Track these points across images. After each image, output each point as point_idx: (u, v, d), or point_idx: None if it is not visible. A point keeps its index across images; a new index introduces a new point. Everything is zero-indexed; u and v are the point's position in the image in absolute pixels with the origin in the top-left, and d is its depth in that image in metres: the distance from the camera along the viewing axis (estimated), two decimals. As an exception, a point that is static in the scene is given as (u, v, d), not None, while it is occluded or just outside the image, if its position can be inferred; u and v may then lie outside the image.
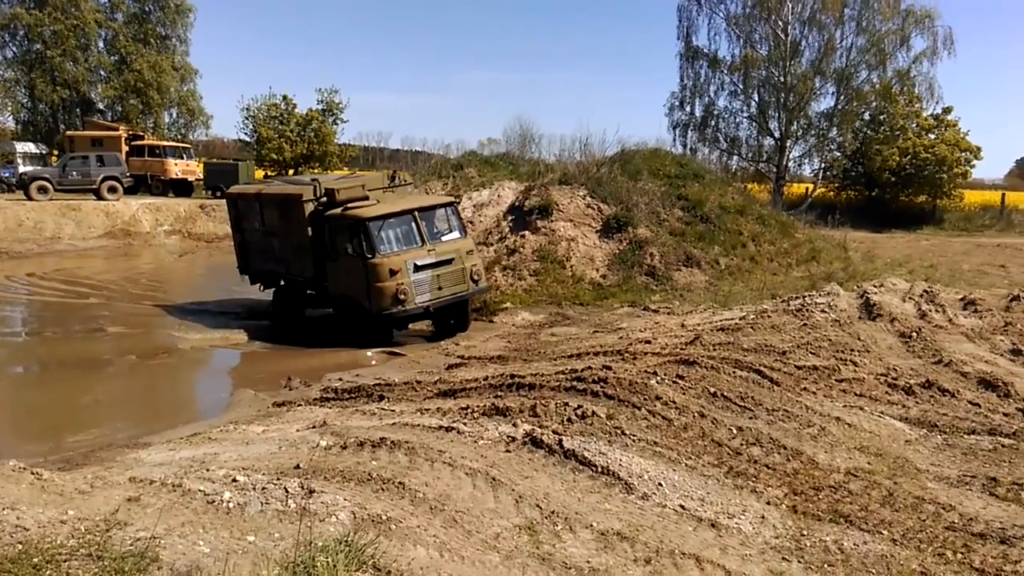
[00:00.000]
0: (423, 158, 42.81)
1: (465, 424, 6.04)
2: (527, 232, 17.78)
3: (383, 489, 4.58)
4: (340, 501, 4.28)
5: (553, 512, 4.45)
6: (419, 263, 12.21)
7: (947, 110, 34.18)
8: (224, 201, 17.23)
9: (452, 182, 21.96)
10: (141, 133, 38.04)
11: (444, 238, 12.84)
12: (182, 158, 35.55)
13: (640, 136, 59.78)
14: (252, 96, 53.21)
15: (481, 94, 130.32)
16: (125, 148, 34.18)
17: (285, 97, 40.83)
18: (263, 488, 4.41)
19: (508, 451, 5.41)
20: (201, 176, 36.14)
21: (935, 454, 5.89)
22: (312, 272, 13.05)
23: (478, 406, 6.58)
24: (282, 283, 14.34)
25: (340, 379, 9.75)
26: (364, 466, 4.96)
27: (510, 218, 18.63)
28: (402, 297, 12.01)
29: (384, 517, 4.14)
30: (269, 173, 39.47)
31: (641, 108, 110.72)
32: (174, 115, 44.94)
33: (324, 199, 12.76)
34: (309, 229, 12.83)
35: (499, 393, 7.23)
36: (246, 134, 41.49)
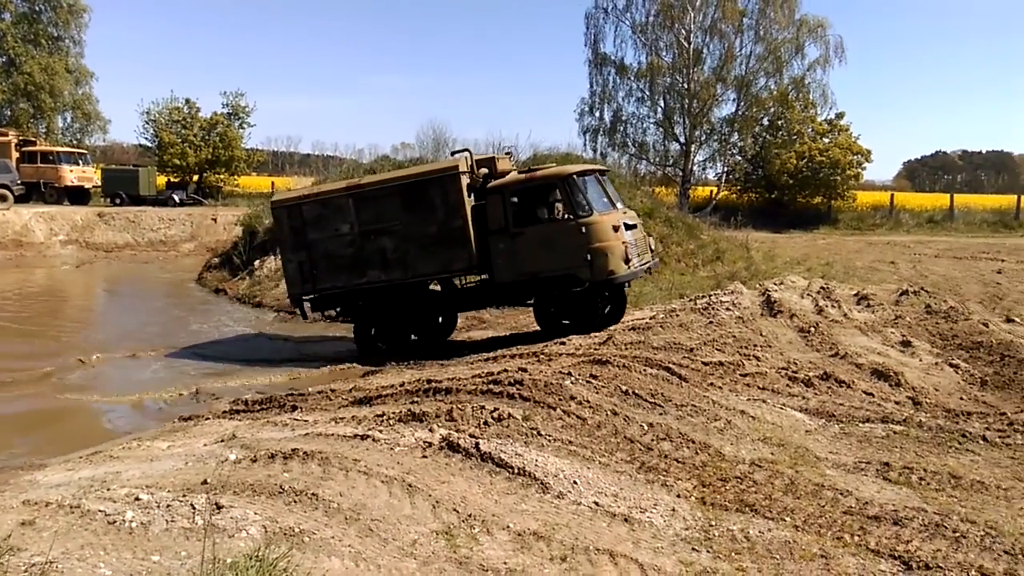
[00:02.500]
0: (335, 163, 42.16)
1: (381, 431, 5.98)
2: (442, 237, 17.65)
3: (295, 501, 4.49)
4: (250, 515, 4.17)
5: (470, 515, 4.46)
6: (627, 223, 10.99)
7: (839, 115, 36.10)
8: (123, 208, 16.22)
9: (365, 187, 21.65)
10: (33, 138, 35.93)
11: (618, 204, 11.65)
12: (78, 164, 33.85)
13: (552, 141, 60.55)
14: (153, 100, 51.20)
15: (394, 98, 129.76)
16: (15, 154, 32.24)
17: (188, 101, 39.57)
18: (168, 505, 4.25)
19: (425, 457, 5.39)
20: (99, 183, 34.48)
21: (833, 442, 6.20)
22: (473, 260, 11.10)
23: (394, 413, 6.53)
24: (358, 302, 12.08)
25: (251, 390, 9.49)
26: (275, 479, 4.84)
27: (424, 223, 18.45)
28: (630, 256, 10.57)
29: (297, 530, 4.06)
30: (172, 179, 38.05)
31: (553, 113, 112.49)
32: (68, 119, 42.88)
33: (484, 171, 11.39)
34: (468, 208, 11.04)
35: (416, 399, 7.18)
36: (147, 139, 39.99)
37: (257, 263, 20.09)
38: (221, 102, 40.38)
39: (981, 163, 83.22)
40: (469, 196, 11.06)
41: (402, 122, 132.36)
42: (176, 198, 35.56)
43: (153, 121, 39.14)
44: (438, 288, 12.43)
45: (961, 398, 7.85)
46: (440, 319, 12.44)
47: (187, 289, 20.63)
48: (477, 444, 5.46)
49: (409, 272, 11.46)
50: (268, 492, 4.60)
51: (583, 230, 10.53)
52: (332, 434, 6.03)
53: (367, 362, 11.12)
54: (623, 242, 10.58)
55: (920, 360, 9.03)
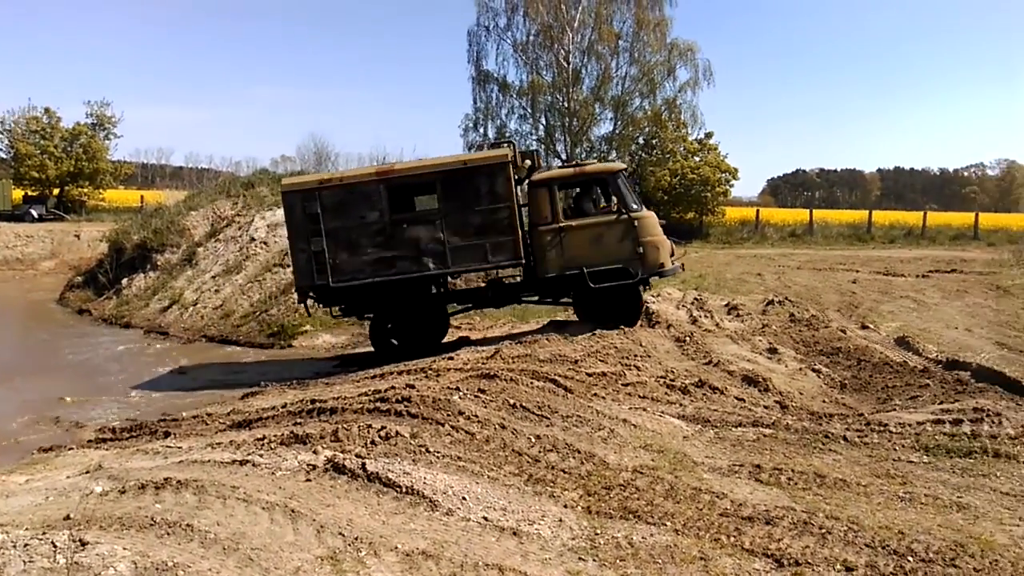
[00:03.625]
0: (210, 175, 40.45)
1: (262, 456, 5.77)
2: (325, 252, 17.30)
3: (169, 533, 4.24)
4: (119, 551, 3.90)
5: (357, 538, 4.36)
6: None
7: (708, 135, 37.96)
8: None
9: (243, 201, 20.95)
10: None
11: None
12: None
13: (438, 155, 60.36)
14: (8, 109, 47.53)
15: (273, 110, 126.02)
16: None
17: (47, 110, 36.99)
18: (25, 545, 3.92)
19: (309, 480, 5.24)
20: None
21: (709, 447, 6.49)
22: (519, 253, 10.81)
23: (276, 435, 6.30)
24: (377, 296, 11.27)
25: (118, 417, 8.92)
26: (146, 510, 4.56)
27: (307, 238, 18.02)
28: (672, 252, 11.13)
29: (170, 563, 3.83)
30: (30, 193, 35.41)
31: (438, 129, 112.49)
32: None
33: (528, 163, 11.11)
34: (516, 199, 10.84)
35: (299, 420, 6.97)
36: (1, 150, 37.06)
37: (125, 281, 19.00)
38: (85, 112, 38.14)
39: (836, 180, 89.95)
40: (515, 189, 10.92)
41: (282, 135, 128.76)
42: (34, 213, 33.30)
43: (8, 131, 36.53)
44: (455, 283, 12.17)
45: (823, 401, 8.42)
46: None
47: (48, 310, 19.21)
48: (364, 464, 5.36)
49: (446, 264, 10.90)
50: (138, 525, 4.32)
51: (634, 224, 10.84)
52: (208, 460, 5.75)
53: (383, 360, 10.66)
54: (666, 237, 11.16)
55: (786, 366, 9.62)
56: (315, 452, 5.71)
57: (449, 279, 12.17)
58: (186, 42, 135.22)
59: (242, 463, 5.56)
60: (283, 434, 6.29)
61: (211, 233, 19.97)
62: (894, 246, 32.39)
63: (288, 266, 17.25)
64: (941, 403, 7.66)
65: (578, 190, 11.50)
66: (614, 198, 11.15)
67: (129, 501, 4.77)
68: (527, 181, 11.36)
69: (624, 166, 12.05)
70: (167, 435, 7.42)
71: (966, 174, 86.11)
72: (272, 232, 18.94)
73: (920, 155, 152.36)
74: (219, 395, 10.11)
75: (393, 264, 10.89)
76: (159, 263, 19.21)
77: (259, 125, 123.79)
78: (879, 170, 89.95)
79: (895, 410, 7.63)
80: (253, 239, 18.87)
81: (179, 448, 6.55)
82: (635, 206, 11.14)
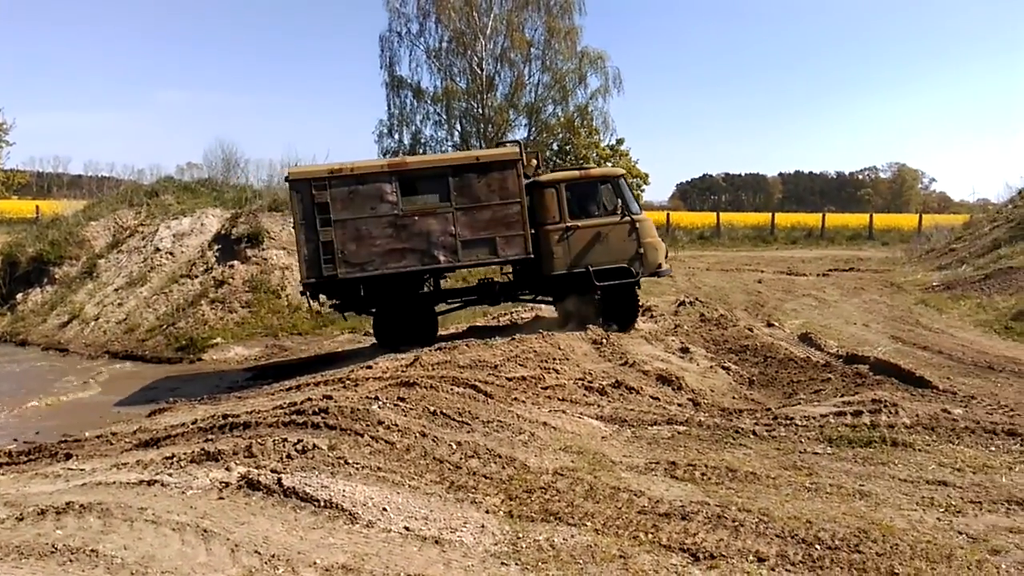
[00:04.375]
0: (111, 184, 38.62)
1: (171, 475, 5.54)
2: (236, 262, 16.85)
3: (72, 560, 4.02)
4: (15, 584, 3.68)
5: (274, 556, 4.25)
6: None
7: (620, 141, 38.82)
8: None
9: (146, 210, 20.13)
10: None
11: None
12: None
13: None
14: None
15: (178, 115, 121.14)
16: None
17: (-70, 117, 34.49)
18: (-93, 585, 3.65)
19: (222, 498, 5.06)
20: None
21: (626, 446, 6.63)
22: (528, 248, 11.14)
23: (185, 453, 6.07)
24: (384, 290, 11.33)
25: (15, 439, 8.41)
26: (47, 537, 4.31)
27: (216, 248, 17.51)
28: (666, 253, 11.74)
29: (74, 593, 3.64)
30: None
31: (352, 135, 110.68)
32: None
33: (534, 163, 11.23)
34: (525, 197, 11.13)
35: (210, 436, 6.72)
36: None
37: (20, 296, 17.95)
38: (-28, 119, 35.67)
39: (741, 184, 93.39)
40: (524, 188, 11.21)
41: (188, 141, 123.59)
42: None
43: None
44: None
45: (733, 397, 8.74)
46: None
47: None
48: (279, 479, 5.22)
49: (457, 257, 11.10)
50: (39, 553, 4.09)
51: (636, 227, 11.43)
52: (114, 482, 5.49)
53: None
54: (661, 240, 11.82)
55: (697, 364, 9.94)
56: (228, 469, 5.53)
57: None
58: (84, 45, 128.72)
59: (150, 483, 5.34)
60: (193, 451, 6.06)
61: (113, 244, 19.11)
62: (796, 247, 33.94)
63: (196, 277, 16.71)
64: (842, 396, 8.07)
65: (584, 192, 11.86)
66: (618, 200, 11.66)
67: (28, 528, 4.50)
68: (532, 180, 11.64)
69: (624, 171, 12.65)
70: (69, 457, 7.03)
71: (860, 177, 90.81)
72: (178, 242, 18.27)
73: (818, 159, 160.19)
74: (124, 413, 9.67)
75: (403, 256, 10.99)
76: (57, 276, 18.23)
77: (164, 131, 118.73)
78: (780, 174, 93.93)
79: (800, 404, 7.98)
80: (158, 249, 18.14)
81: (82, 470, 6.22)
82: (636, 209, 11.76)
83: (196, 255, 17.59)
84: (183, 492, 5.16)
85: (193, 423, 7.34)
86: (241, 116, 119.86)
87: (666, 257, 12.03)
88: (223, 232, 17.96)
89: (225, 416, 7.24)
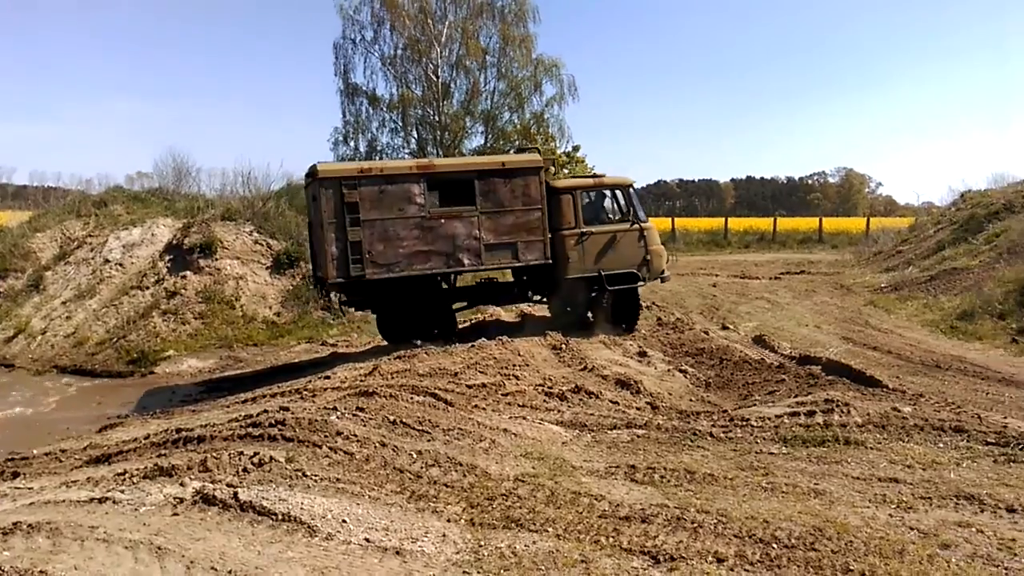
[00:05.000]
0: (58, 194, 37.49)
1: (123, 492, 5.39)
2: (189, 272, 16.54)
3: (18, 584, 3.89)
4: (-42, 610, 3.55)
5: (231, 572, 4.16)
6: None
7: (576, 148, 38.95)
8: None
9: (95, 220, 19.63)
10: None
11: None
12: None
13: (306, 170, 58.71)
14: None
15: (127, 125, 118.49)
16: None
17: None
18: None
19: (176, 514, 4.95)
20: None
21: (586, 451, 6.66)
22: (547, 253, 11.53)
23: (138, 469, 5.92)
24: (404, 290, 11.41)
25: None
26: (-9, 561, 4.16)
27: (168, 258, 17.17)
28: (668, 260, 12.24)
29: (21, 617, 3.52)
30: None
31: (306, 143, 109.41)
32: None
33: (552, 170, 11.17)
34: (545, 203, 11.47)
35: (163, 451, 6.57)
36: None
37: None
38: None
39: (695, 190, 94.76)
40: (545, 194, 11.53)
41: (137, 150, 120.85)
42: None
43: None
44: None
45: (690, 400, 8.84)
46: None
47: None
48: (236, 494, 5.12)
49: (480, 261, 11.35)
50: (-19, 578, 3.94)
51: (643, 234, 11.97)
52: (63, 500, 5.32)
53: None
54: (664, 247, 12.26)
55: (655, 368, 10.04)
56: (182, 484, 5.41)
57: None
58: (28, 54, 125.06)
59: (101, 501, 5.18)
60: (146, 467, 5.91)
61: (60, 256, 18.58)
62: (749, 251, 34.55)
63: (147, 288, 16.33)
64: (796, 396, 8.23)
65: (597, 199, 12.30)
66: (629, 208, 12.11)
67: (-30, 552, 4.34)
68: (547, 186, 11.84)
69: (634, 180, 13.01)
70: (16, 475, 6.80)
71: (810, 182, 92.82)
72: (128, 253, 17.85)
73: (769, 165, 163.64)
74: (74, 429, 9.38)
75: (429, 258, 11.13)
76: (1, 290, 17.66)
77: (112, 140, 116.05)
78: (733, 180, 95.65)
79: (755, 405, 8.12)
80: (108, 261, 17.70)
81: (30, 489, 6.01)
82: (644, 216, 12.22)
83: (147, 266, 17.21)
84: (136, 509, 5.02)
85: (146, 438, 7.17)
86: (192, 125, 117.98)
87: (667, 263, 12.64)
88: (175, 242, 17.62)
89: (179, 430, 7.08)
